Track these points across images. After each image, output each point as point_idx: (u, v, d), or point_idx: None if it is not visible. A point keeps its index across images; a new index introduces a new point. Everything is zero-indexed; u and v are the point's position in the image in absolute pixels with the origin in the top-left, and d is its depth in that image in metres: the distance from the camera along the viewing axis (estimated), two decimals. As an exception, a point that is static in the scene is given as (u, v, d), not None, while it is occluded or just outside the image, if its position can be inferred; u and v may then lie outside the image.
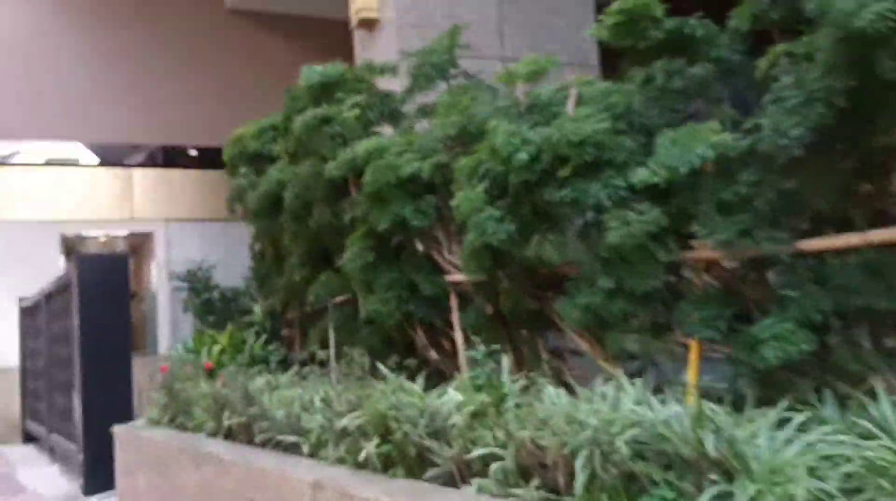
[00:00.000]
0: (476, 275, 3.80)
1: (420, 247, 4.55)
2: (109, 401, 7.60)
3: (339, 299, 5.67)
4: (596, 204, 3.13)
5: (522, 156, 3.27)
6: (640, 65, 3.68)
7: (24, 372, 11.96)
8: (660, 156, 3.00)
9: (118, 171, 13.77)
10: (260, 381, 5.36)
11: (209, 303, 9.05)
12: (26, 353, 11.81)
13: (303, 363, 6.21)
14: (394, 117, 5.55)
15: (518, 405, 3.12)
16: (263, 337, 7.45)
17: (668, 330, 3.26)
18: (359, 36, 8.82)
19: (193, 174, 14.01)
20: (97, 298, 7.80)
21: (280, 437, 4.49)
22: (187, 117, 14.04)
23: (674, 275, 3.27)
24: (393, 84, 5.84)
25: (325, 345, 6.02)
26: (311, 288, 5.78)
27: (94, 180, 13.47)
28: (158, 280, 13.30)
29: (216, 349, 7.40)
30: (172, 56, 14.23)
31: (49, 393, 9.93)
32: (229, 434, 5.20)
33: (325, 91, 5.28)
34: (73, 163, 13.79)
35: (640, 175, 3.03)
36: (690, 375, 3.18)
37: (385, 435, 3.56)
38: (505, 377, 3.34)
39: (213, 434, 5.38)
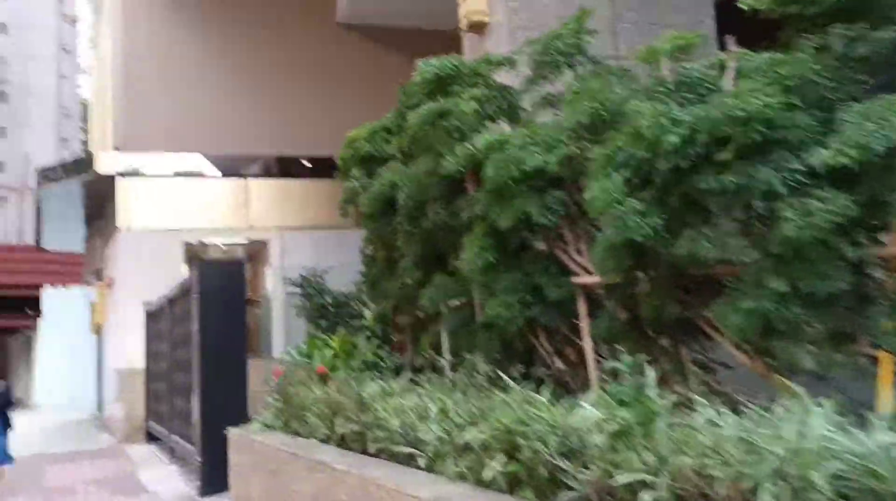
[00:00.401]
0: (611, 276, 3.39)
1: (544, 246, 4.18)
2: (226, 404, 7.67)
3: (453, 302, 5.40)
4: (766, 191, 2.66)
5: (673, 138, 2.84)
6: (807, 34, 3.17)
7: (148, 374, 12.44)
8: (847, 133, 2.51)
9: (236, 181, 14.21)
10: (373, 387, 5.16)
11: (321, 308, 9.03)
12: (150, 356, 12.28)
13: (416, 370, 5.98)
14: (512, 112, 5.22)
15: (671, 426, 2.70)
16: (375, 342, 7.31)
17: (852, 341, 2.74)
18: (468, 40, 8.62)
19: (307, 184, 14.27)
20: (216, 303, 7.93)
21: (395, 448, 4.24)
22: (300, 129, 14.35)
23: (860, 275, 2.74)
24: (509, 81, 5.54)
25: (437, 351, 5.76)
26: (425, 292, 5.53)
27: (214, 191, 13.96)
28: (273, 286, 13.58)
29: (328, 353, 7.32)
30: (287, 70, 14.63)
31: (170, 395, 10.23)
32: (342, 442, 5.02)
33: (440, 85, 5.02)
34: (197, 174, 14.33)
35: (823, 156, 2.55)
36: (883, 395, 2.65)
37: (511, 453, 3.22)
38: (651, 392, 2.92)
39: (326, 441, 5.22)
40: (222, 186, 14.17)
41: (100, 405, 17.63)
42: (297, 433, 5.73)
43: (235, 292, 8.16)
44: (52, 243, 18.99)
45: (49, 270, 25.71)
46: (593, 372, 3.88)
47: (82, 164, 13.88)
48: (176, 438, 9.64)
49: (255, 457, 6.05)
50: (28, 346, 27.19)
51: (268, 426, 6.28)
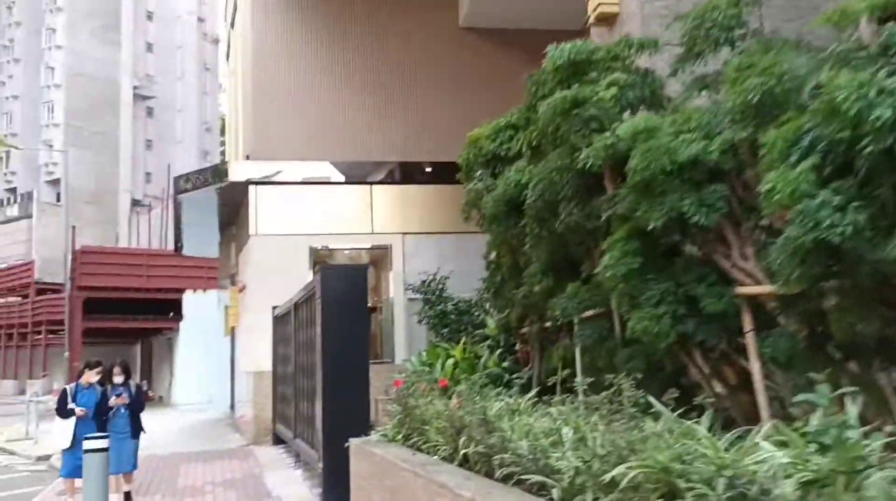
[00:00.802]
0: (795, 286, 2.79)
1: (700, 250, 3.61)
2: (348, 410, 7.52)
3: (587, 313, 4.90)
4: None
5: (884, 113, 2.24)
6: None
7: (275, 377, 12.65)
8: None
9: (361, 187, 14.28)
10: (498, 405, 4.75)
11: (443, 315, 8.75)
12: (277, 359, 12.48)
13: (543, 385, 5.52)
14: (654, 99, 4.67)
15: (888, 478, 2.10)
16: (497, 353, 6.92)
17: None
18: (596, 33, 8.11)
19: (428, 189, 14.12)
20: (338, 308, 7.81)
21: (525, 475, 3.80)
22: (423, 134, 14.27)
23: None
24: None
25: (567, 366, 5.28)
26: (554, 301, 5.06)
27: (340, 197, 14.09)
28: (396, 291, 13.50)
29: (449, 363, 7.01)
30: (410, 76, 14.61)
31: (294, 399, 10.28)
32: (465, 461, 4.64)
33: (574, 72, 4.56)
34: (324, 181, 14.52)
35: None
36: None
37: (669, 495, 2.70)
38: (854, 432, 2.32)
39: (449, 459, 4.86)
40: (347, 193, 14.29)
41: (233, 406, 18.29)
42: (418, 448, 5.42)
43: (358, 297, 8.02)
44: (191, 248, 19.99)
45: (188, 274, 27.25)
46: (763, 400, 3.27)
47: (216, 172, 14.40)
48: (299, 442, 9.65)
49: (375, 469, 5.79)
50: (170, 347, 28.93)
51: (388, 439, 6.02)
